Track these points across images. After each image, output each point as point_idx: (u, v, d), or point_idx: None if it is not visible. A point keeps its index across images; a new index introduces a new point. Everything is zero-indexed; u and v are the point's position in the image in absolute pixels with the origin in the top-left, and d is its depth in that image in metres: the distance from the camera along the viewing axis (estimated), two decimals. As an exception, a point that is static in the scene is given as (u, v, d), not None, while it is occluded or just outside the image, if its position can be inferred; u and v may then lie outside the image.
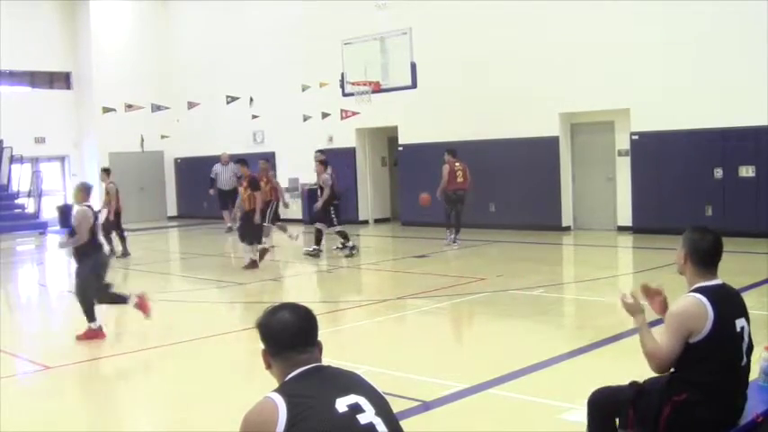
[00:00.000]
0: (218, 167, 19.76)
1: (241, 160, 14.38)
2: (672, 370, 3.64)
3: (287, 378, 2.61)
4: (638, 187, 15.08)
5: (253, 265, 12.93)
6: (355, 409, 2.49)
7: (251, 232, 13.09)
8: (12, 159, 22.62)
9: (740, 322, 3.63)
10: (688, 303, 3.57)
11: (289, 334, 2.64)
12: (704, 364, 3.51)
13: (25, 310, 11.63)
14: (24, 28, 22.73)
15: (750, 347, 3.67)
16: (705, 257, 3.66)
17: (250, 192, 13.12)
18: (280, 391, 2.55)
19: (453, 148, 15.24)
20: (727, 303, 3.63)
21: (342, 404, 2.48)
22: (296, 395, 2.49)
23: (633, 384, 3.79)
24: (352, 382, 2.62)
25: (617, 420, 3.74)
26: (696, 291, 3.63)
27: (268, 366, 2.70)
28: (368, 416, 2.49)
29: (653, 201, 14.82)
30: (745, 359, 3.63)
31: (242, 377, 6.75)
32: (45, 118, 23.20)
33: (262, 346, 2.69)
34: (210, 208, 21.40)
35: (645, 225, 14.66)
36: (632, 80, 14.84)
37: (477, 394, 5.84)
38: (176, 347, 7.98)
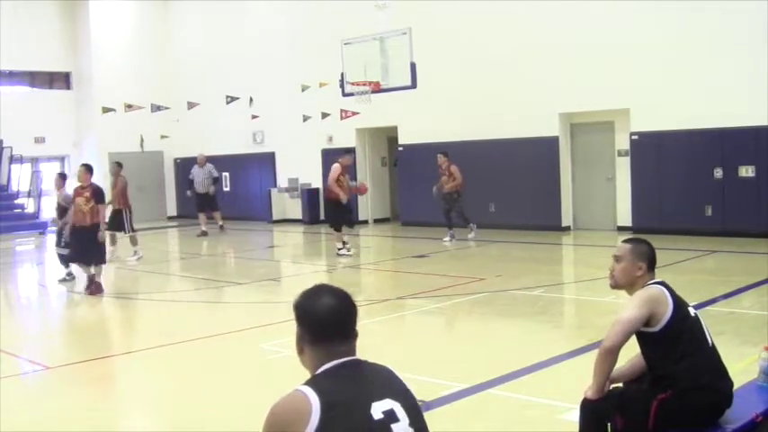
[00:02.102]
0: (195, 169, 19.14)
1: (85, 165, 11.73)
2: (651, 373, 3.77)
3: (320, 370, 2.43)
4: (637, 187, 15.07)
5: (98, 288, 11.18)
6: (390, 416, 2.37)
7: (96, 252, 11.23)
8: (12, 159, 22.63)
9: (692, 309, 3.85)
10: (652, 289, 3.77)
11: (331, 322, 2.46)
12: (676, 351, 3.65)
13: (25, 310, 11.62)
14: (24, 28, 22.71)
15: (708, 330, 3.83)
16: (654, 262, 3.91)
17: (93, 203, 11.16)
18: (312, 385, 2.37)
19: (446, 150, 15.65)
20: (676, 292, 3.85)
21: (377, 410, 2.36)
22: (330, 393, 2.34)
23: (615, 389, 3.87)
24: (387, 383, 2.51)
25: (608, 425, 3.78)
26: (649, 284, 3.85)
27: (300, 351, 2.51)
28: (402, 426, 2.38)
29: (653, 201, 14.82)
30: (710, 340, 3.80)
31: (242, 377, 6.74)
32: (45, 118, 23.18)
33: (297, 328, 2.50)
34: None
35: (645, 225, 14.64)
36: (632, 80, 14.83)
37: (477, 394, 5.84)
38: (176, 347, 7.97)
